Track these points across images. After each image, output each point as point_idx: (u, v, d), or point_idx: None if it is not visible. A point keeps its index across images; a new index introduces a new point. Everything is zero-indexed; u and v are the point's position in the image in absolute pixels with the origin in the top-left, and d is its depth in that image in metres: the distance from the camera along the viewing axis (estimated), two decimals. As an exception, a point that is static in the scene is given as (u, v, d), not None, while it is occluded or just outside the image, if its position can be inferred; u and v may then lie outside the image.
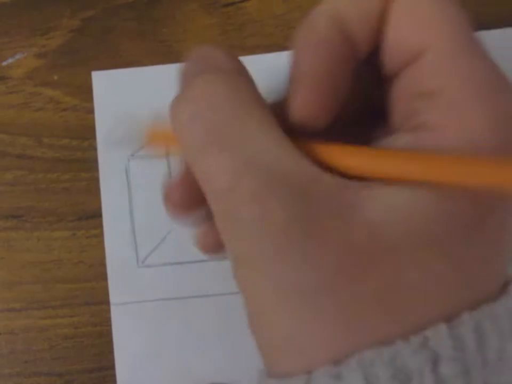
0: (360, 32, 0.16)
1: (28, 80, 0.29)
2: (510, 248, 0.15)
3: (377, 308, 0.13)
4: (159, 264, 0.28)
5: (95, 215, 0.28)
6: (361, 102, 0.18)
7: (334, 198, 0.14)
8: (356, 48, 0.16)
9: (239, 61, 0.17)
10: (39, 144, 0.29)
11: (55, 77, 0.29)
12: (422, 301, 0.14)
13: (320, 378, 0.13)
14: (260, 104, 0.16)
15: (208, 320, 0.28)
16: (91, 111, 0.29)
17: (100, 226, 0.28)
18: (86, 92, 0.29)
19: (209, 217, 0.20)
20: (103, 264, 0.28)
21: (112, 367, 0.28)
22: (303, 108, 0.16)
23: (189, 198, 0.18)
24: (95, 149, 0.29)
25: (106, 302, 0.28)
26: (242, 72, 0.17)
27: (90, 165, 0.29)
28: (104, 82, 0.29)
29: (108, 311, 0.28)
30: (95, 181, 0.28)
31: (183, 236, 0.28)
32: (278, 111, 0.16)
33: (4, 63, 0.29)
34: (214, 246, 0.20)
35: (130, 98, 0.29)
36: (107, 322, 0.28)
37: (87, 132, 0.29)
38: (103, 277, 0.28)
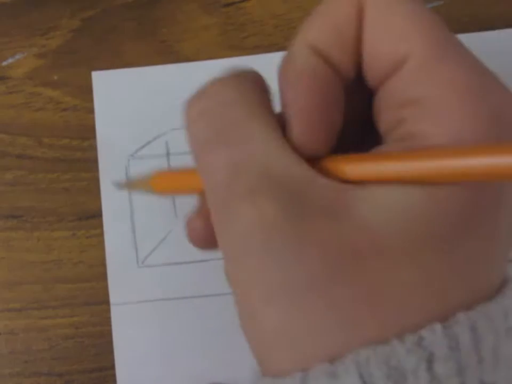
0: (341, 56, 0.16)
1: (28, 80, 0.29)
2: (507, 249, 0.15)
3: (370, 307, 0.13)
4: (159, 264, 0.28)
5: (95, 215, 0.28)
6: (354, 115, 0.18)
7: (327, 199, 0.14)
8: (341, 71, 0.16)
9: (258, 73, 0.18)
10: (39, 144, 0.29)
11: (55, 77, 0.29)
12: (416, 300, 0.14)
13: (316, 376, 0.13)
14: (267, 110, 0.16)
15: (208, 320, 0.28)
16: (91, 111, 0.29)
17: (100, 226, 0.28)
18: (86, 92, 0.29)
19: (200, 210, 0.20)
20: (103, 264, 0.28)
21: (112, 367, 0.28)
22: (301, 139, 0.16)
23: (210, 230, 0.18)
24: (95, 149, 0.29)
25: (106, 302, 0.28)
26: (258, 82, 0.17)
27: (90, 165, 0.29)
28: (104, 82, 0.29)
29: (108, 311, 0.28)
30: (95, 181, 0.28)
31: (183, 236, 0.28)
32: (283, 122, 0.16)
33: (4, 63, 0.29)
34: (205, 240, 0.20)
35: (130, 98, 0.29)
36: (107, 322, 0.28)
37: (87, 132, 0.29)
38: (103, 277, 0.28)
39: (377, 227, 0.14)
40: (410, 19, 0.15)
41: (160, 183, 0.22)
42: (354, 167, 0.15)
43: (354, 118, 0.17)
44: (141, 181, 0.24)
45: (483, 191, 0.14)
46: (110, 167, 0.28)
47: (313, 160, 0.16)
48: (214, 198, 0.16)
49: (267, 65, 0.29)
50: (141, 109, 0.29)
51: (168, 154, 0.28)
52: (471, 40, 0.27)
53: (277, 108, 0.17)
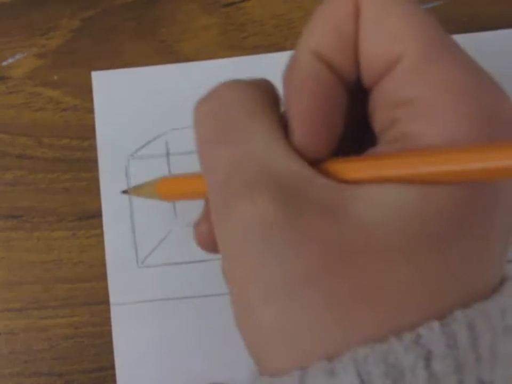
0: (343, 59, 0.16)
1: (28, 80, 0.29)
2: (504, 248, 0.15)
3: (368, 304, 0.14)
4: (159, 264, 0.28)
5: (95, 215, 0.28)
6: (350, 115, 0.18)
7: (325, 198, 0.14)
8: (343, 75, 0.16)
9: (269, 81, 0.18)
10: (39, 144, 0.29)
11: (55, 77, 0.29)
12: (412, 298, 0.14)
13: (314, 374, 0.13)
14: (271, 113, 0.16)
15: (208, 320, 0.28)
16: (91, 111, 0.29)
17: (100, 226, 0.28)
18: (86, 91, 0.29)
19: (206, 214, 0.21)
20: (103, 264, 0.28)
21: (112, 367, 0.28)
22: (303, 142, 0.16)
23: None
24: (95, 149, 0.29)
25: (106, 302, 0.28)
26: (267, 88, 0.18)
27: (90, 165, 0.29)
28: (104, 82, 0.29)
29: (108, 311, 0.28)
30: (95, 181, 0.28)
31: (183, 236, 0.28)
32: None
33: (4, 63, 0.29)
34: (212, 243, 0.20)
35: (130, 98, 0.29)
36: (107, 322, 0.28)
37: (87, 132, 0.29)
38: (103, 277, 0.28)
39: (373, 225, 0.14)
40: (405, 20, 0.15)
41: (166, 188, 0.23)
42: (352, 167, 0.15)
43: (351, 118, 0.18)
44: (147, 187, 0.24)
45: (478, 191, 0.14)
46: (110, 167, 0.28)
47: (313, 162, 0.16)
48: (214, 197, 0.16)
49: (267, 65, 0.29)
50: (141, 109, 0.29)
51: (168, 154, 0.28)
52: (471, 41, 0.27)
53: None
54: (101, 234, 0.28)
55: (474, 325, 0.13)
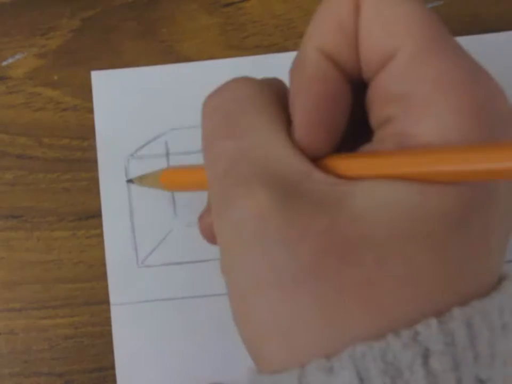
0: (348, 56, 0.16)
1: (28, 80, 0.29)
2: (502, 247, 0.15)
3: (360, 300, 0.14)
4: (159, 264, 0.28)
5: (95, 215, 0.28)
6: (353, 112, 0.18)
7: (321, 192, 0.15)
8: (347, 71, 0.16)
9: (280, 80, 0.18)
10: (39, 144, 0.29)
11: (55, 77, 0.29)
12: (407, 294, 0.14)
13: (313, 372, 0.13)
14: (277, 109, 0.17)
15: (208, 320, 0.28)
16: (91, 111, 0.29)
17: (100, 226, 0.28)
18: (86, 91, 0.29)
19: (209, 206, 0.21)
20: (103, 264, 0.28)
21: (112, 367, 0.28)
22: (307, 139, 0.16)
23: None
24: (95, 149, 0.29)
25: (106, 302, 0.28)
26: (277, 86, 0.18)
27: (90, 165, 0.29)
28: (104, 82, 0.29)
29: (108, 311, 0.28)
30: (95, 181, 0.28)
31: (183, 236, 0.28)
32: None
33: (4, 63, 0.29)
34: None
35: (130, 98, 0.29)
36: (107, 322, 0.28)
37: (87, 132, 0.29)
38: (103, 277, 0.28)
39: (368, 221, 0.14)
40: (404, 15, 0.15)
41: (170, 179, 0.23)
42: (349, 163, 0.15)
43: (350, 114, 0.18)
44: (151, 176, 0.24)
45: (475, 190, 0.14)
46: (110, 167, 0.28)
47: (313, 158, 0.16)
48: (213, 189, 0.16)
49: (267, 65, 0.29)
50: (141, 109, 0.29)
51: (167, 154, 0.28)
52: (473, 43, 0.27)
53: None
54: (101, 234, 0.28)
55: (472, 323, 0.13)
